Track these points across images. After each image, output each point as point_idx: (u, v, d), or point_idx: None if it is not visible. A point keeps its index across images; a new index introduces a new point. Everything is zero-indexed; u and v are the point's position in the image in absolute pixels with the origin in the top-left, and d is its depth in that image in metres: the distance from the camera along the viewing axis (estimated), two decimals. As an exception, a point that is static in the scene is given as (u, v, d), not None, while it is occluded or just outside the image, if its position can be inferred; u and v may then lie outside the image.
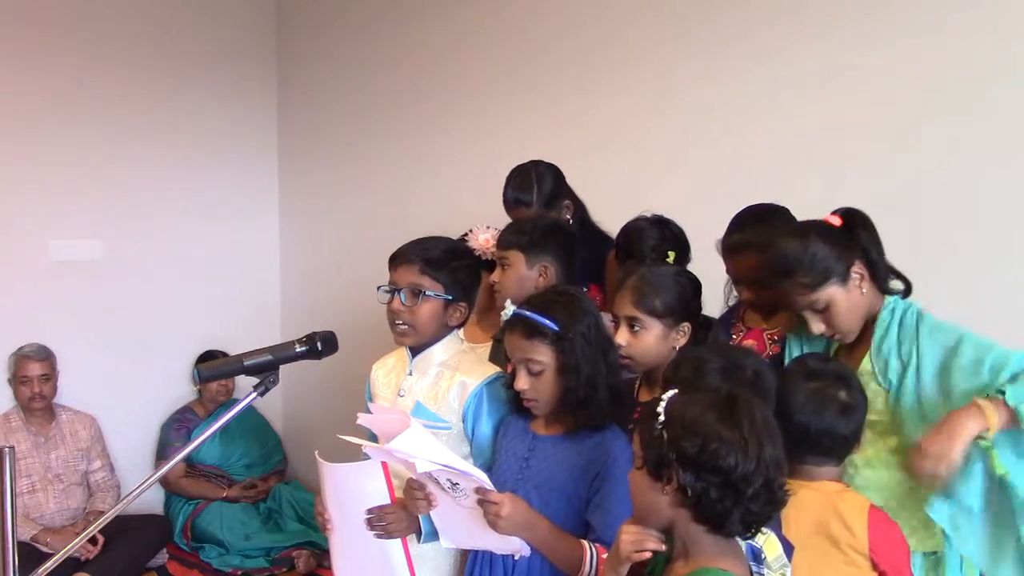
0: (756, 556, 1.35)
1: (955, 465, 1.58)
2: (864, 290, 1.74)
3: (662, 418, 1.22)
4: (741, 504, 1.17)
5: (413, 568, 1.81)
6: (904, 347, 1.72)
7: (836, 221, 1.76)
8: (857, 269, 1.73)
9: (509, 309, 1.75)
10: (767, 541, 1.40)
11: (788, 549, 1.44)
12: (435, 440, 1.61)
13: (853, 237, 1.75)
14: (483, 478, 1.57)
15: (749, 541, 1.34)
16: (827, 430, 1.62)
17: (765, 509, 1.20)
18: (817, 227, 1.75)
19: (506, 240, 2.24)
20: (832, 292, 1.72)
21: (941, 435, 1.59)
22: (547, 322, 1.68)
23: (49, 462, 3.67)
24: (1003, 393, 1.57)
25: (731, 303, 2.16)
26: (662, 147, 2.88)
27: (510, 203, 2.49)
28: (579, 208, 2.54)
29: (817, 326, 1.75)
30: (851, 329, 1.77)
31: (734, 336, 2.07)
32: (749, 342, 2.02)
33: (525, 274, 2.20)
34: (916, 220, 2.22)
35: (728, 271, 2.05)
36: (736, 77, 2.67)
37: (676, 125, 2.85)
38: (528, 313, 1.71)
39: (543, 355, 1.69)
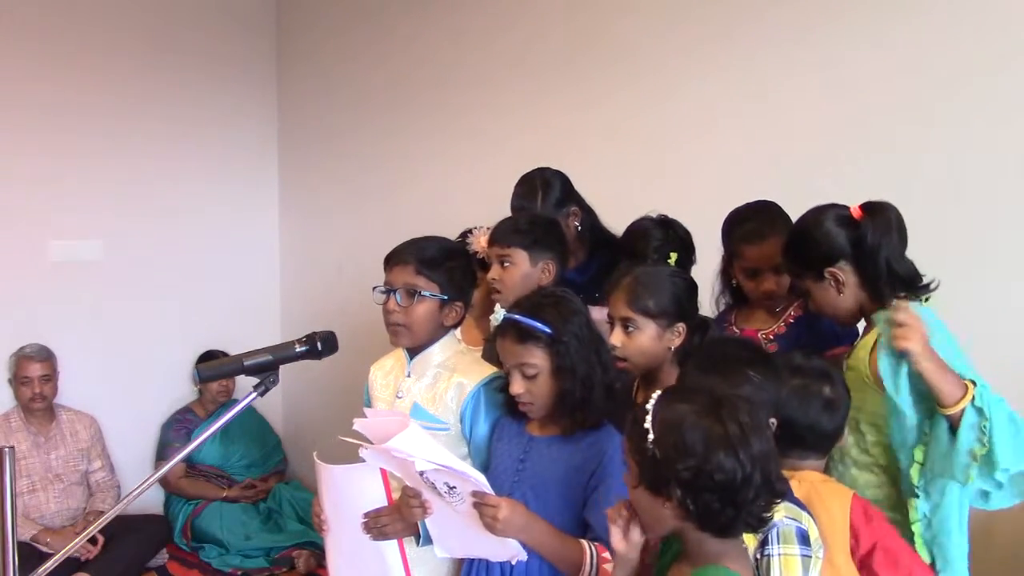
0: (805, 539, 1.38)
1: (914, 329, 1.58)
2: (843, 292, 1.75)
3: (651, 436, 1.21)
4: (744, 509, 1.18)
5: (409, 569, 1.81)
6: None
7: (856, 213, 1.75)
8: (834, 271, 1.74)
9: (499, 313, 1.74)
10: (811, 524, 1.42)
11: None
12: (433, 441, 1.60)
13: (856, 235, 1.72)
14: (481, 479, 1.56)
15: (798, 524, 1.38)
16: (811, 426, 1.63)
17: (767, 505, 1.21)
18: (829, 217, 1.76)
19: (507, 238, 2.18)
20: (808, 285, 1.80)
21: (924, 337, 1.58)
22: (539, 325, 1.68)
23: (49, 462, 3.68)
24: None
25: (722, 308, 2.16)
26: (663, 146, 2.88)
27: (516, 212, 2.44)
28: (588, 214, 2.48)
29: (810, 304, 1.85)
30: (834, 318, 1.82)
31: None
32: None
33: (529, 272, 2.15)
34: (916, 218, 2.21)
35: (748, 262, 2.04)
36: (737, 74, 2.67)
37: (677, 123, 2.84)
38: (519, 317, 1.70)
39: (537, 358, 1.68)
